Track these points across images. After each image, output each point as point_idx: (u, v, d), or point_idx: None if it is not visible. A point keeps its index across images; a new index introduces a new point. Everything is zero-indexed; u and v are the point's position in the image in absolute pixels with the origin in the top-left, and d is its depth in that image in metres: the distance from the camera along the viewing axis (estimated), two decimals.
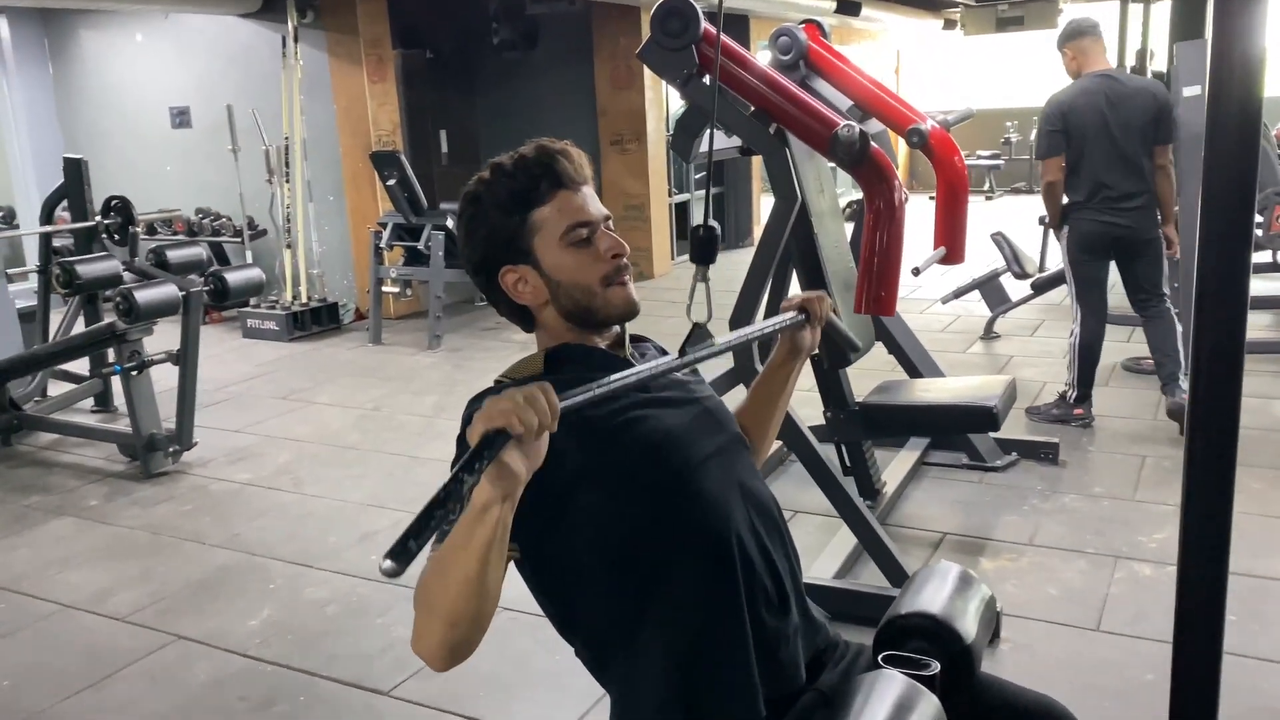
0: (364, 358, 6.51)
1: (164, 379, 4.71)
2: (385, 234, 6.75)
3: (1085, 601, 2.99)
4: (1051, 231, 5.24)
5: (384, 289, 6.93)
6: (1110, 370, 5.34)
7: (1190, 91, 4.96)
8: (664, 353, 1.59)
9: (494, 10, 8.86)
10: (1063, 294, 6.25)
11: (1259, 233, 5.00)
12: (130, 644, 3.05)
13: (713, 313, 1.44)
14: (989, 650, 2.76)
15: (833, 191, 3.68)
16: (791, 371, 1.68)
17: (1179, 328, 4.59)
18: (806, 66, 3.84)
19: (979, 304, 6.45)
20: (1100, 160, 4.38)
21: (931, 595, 1.56)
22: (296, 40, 6.97)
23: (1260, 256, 6.29)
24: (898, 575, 2.97)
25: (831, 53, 3.87)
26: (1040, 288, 6.11)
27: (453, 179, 9.17)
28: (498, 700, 2.67)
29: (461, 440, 1.18)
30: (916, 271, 3.43)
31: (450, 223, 6.57)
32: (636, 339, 1.56)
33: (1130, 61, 10.35)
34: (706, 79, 3.02)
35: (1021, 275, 6.15)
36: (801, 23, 3.88)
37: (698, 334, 1.41)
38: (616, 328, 1.48)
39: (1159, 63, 10.89)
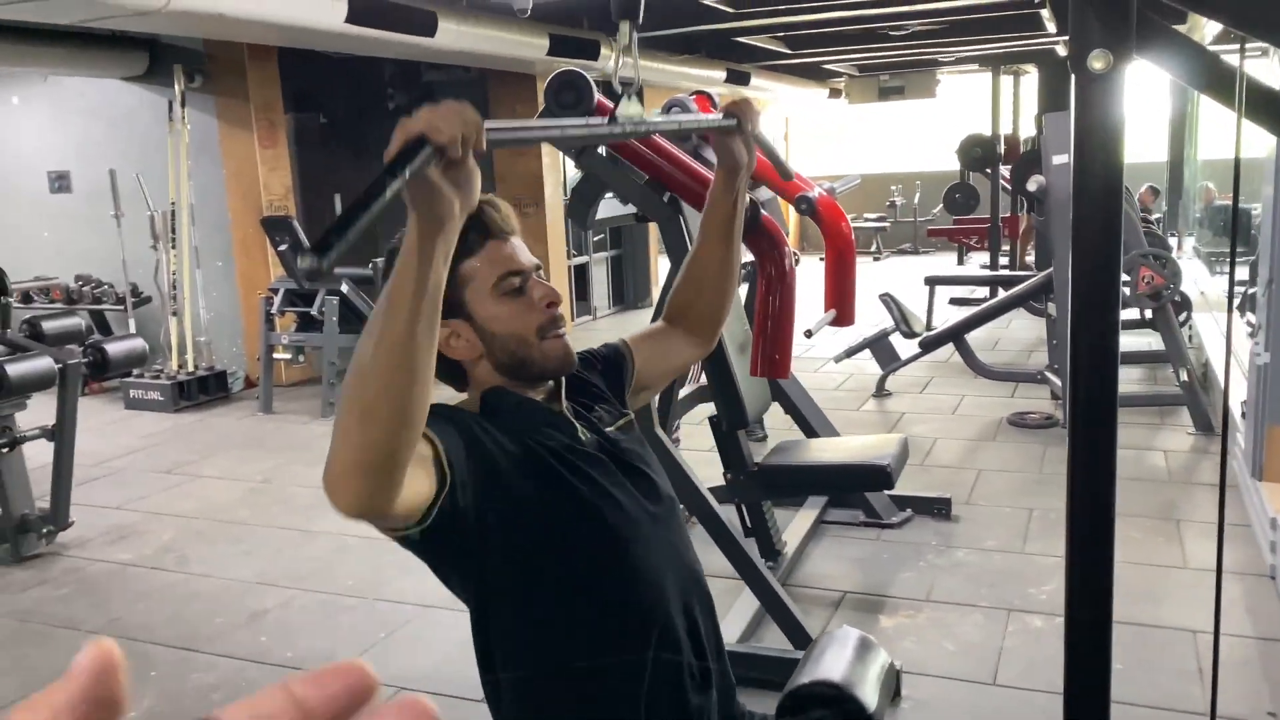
0: (254, 427, 6.31)
1: (39, 454, 4.48)
2: (277, 300, 6.60)
3: (981, 656, 3.05)
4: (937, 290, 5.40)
5: (275, 355, 6.76)
6: (997, 425, 5.53)
7: (1059, 160, 5.24)
8: (590, 380, 1.53)
9: (390, 75, 8.86)
10: (950, 351, 6.49)
11: (1126, 292, 5.27)
12: None
13: (639, 79, 1.40)
14: (890, 709, 2.79)
15: None
16: (735, 198, 1.56)
17: None
18: (698, 137, 3.94)
19: (870, 362, 6.62)
20: None
21: (832, 662, 1.57)
22: (184, 105, 6.84)
23: (1130, 314, 6.63)
24: (801, 637, 2.99)
25: None
26: (928, 345, 6.30)
27: (349, 246, 9.05)
28: None
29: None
30: (809, 334, 3.52)
31: (345, 288, 6.47)
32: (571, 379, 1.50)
33: (1004, 130, 10.91)
34: (601, 149, 3.07)
35: (910, 334, 6.34)
36: (693, 94, 3.98)
37: (628, 107, 1.33)
38: (551, 382, 1.44)
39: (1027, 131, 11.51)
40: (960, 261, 12.53)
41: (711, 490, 3.79)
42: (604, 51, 7.66)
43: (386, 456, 1.02)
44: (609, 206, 3.35)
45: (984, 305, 6.66)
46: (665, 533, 1.41)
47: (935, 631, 3.23)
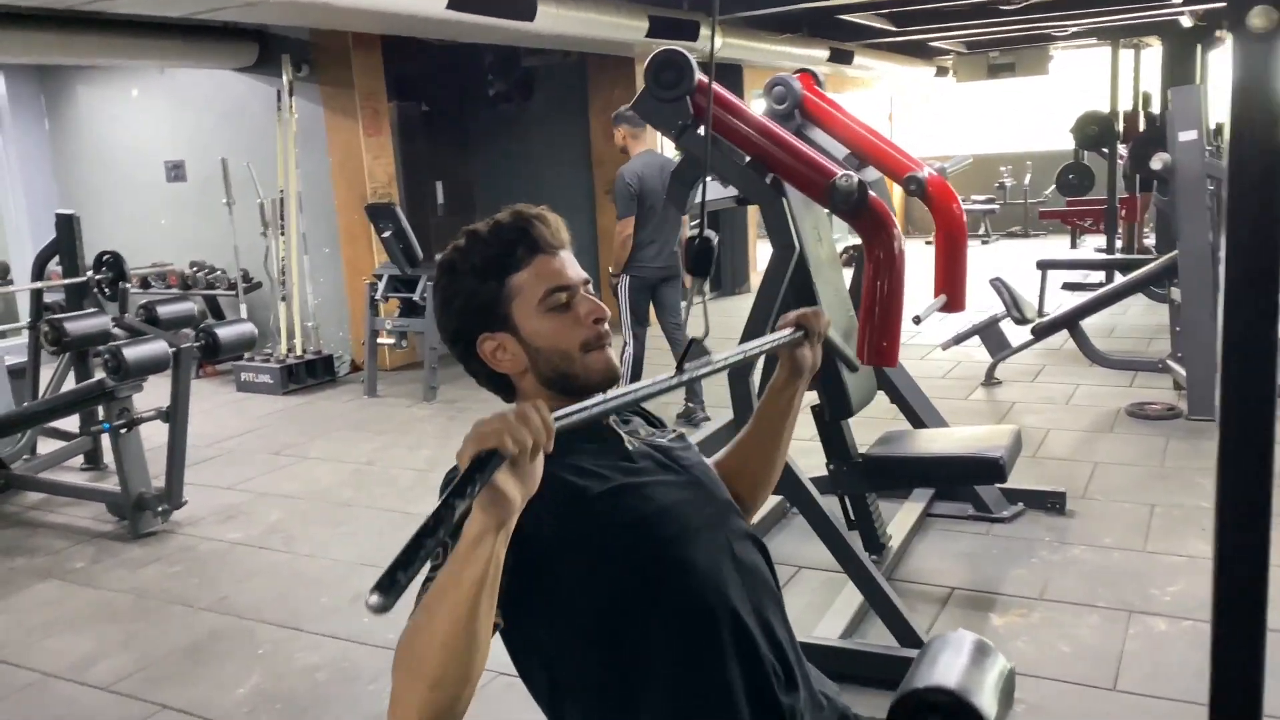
0: (358, 410, 6.44)
1: (154, 435, 4.64)
2: (381, 286, 6.71)
3: (1100, 659, 2.89)
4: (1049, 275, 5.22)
5: (379, 341, 6.87)
6: (1115, 416, 5.27)
7: (1186, 136, 4.96)
8: (649, 415, 1.55)
9: (489, 63, 8.91)
10: (1064, 339, 6.22)
11: None
12: (112, 715, 2.94)
13: (710, 329, 1.39)
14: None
15: (830, 240, 3.64)
16: (794, 394, 1.59)
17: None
18: (802, 115, 3.82)
19: (979, 349, 6.39)
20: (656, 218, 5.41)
21: (947, 667, 1.48)
22: (292, 94, 6.98)
23: None
24: (907, 635, 2.88)
25: (827, 101, 3.86)
26: (1041, 332, 6.05)
27: (448, 230, 9.05)
28: None
29: (449, 480, 1.10)
30: (918, 320, 3.38)
31: None
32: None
33: (1125, 105, 10.42)
34: (701, 129, 2.99)
35: (1021, 320, 6.10)
36: (796, 72, 3.87)
37: (695, 349, 1.35)
38: (598, 395, 1.42)
39: (1154, 105, 10.97)
40: (1073, 245, 12.04)
41: (815, 480, 3.72)
42: (703, 31, 7.56)
43: (454, 708, 1.05)
44: (714, 190, 3.27)
45: (1101, 290, 6.36)
46: (721, 536, 1.38)
47: (1050, 632, 3.07)
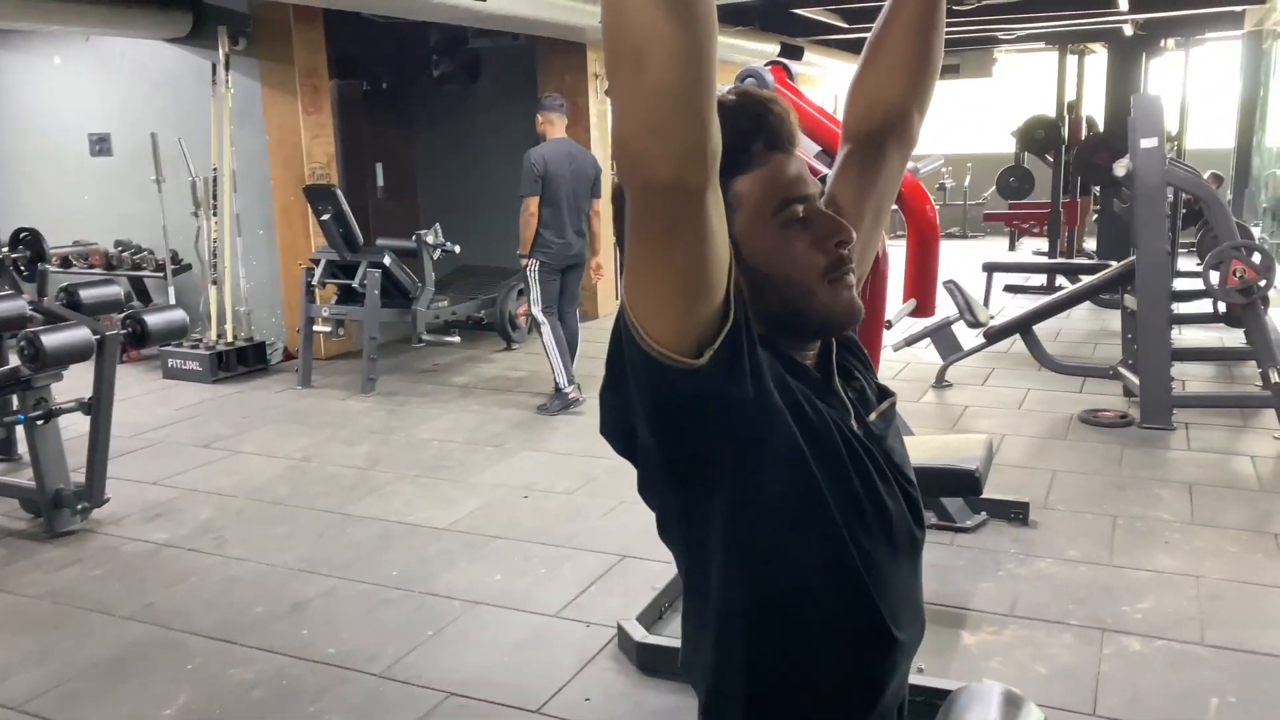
0: (293, 401, 6.15)
1: (74, 425, 4.32)
2: (318, 271, 6.42)
3: (1077, 681, 2.81)
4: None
5: (315, 328, 6.59)
6: (1068, 422, 5.26)
7: (1147, 143, 4.94)
8: (858, 350, 1.23)
9: (435, 42, 8.63)
10: (1011, 341, 6.21)
11: (1215, 284, 4.97)
12: None
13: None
14: None
15: None
16: None
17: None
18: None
19: (929, 350, 6.35)
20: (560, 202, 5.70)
21: None
22: (228, 68, 6.65)
23: (1203, 306, 6.31)
24: None
25: (800, 95, 3.73)
26: (994, 336, 6.02)
27: (389, 213, 8.87)
28: None
29: None
30: (889, 325, 3.28)
31: (387, 260, 6.28)
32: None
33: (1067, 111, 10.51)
34: None
35: (975, 324, 6.07)
36: (768, 64, 3.73)
37: None
38: (822, 342, 1.15)
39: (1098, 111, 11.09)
40: (1012, 247, 12.17)
41: None
42: None
43: (674, 100, 0.82)
44: None
45: (1057, 295, 6.37)
46: (912, 568, 1.15)
47: (1023, 651, 2.99)
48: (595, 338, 7.92)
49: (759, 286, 1.05)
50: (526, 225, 5.63)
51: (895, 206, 3.56)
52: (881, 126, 1.26)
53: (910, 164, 3.78)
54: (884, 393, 1.19)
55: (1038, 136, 9.88)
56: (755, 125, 1.05)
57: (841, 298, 1.08)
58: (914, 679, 1.38)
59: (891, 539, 1.09)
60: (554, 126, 5.78)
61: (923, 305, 3.66)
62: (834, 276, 1.07)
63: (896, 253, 3.44)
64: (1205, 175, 9.82)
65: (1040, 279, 9.06)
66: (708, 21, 0.83)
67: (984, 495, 3.95)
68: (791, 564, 1.05)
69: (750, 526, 1.03)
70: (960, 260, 10.06)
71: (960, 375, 6.24)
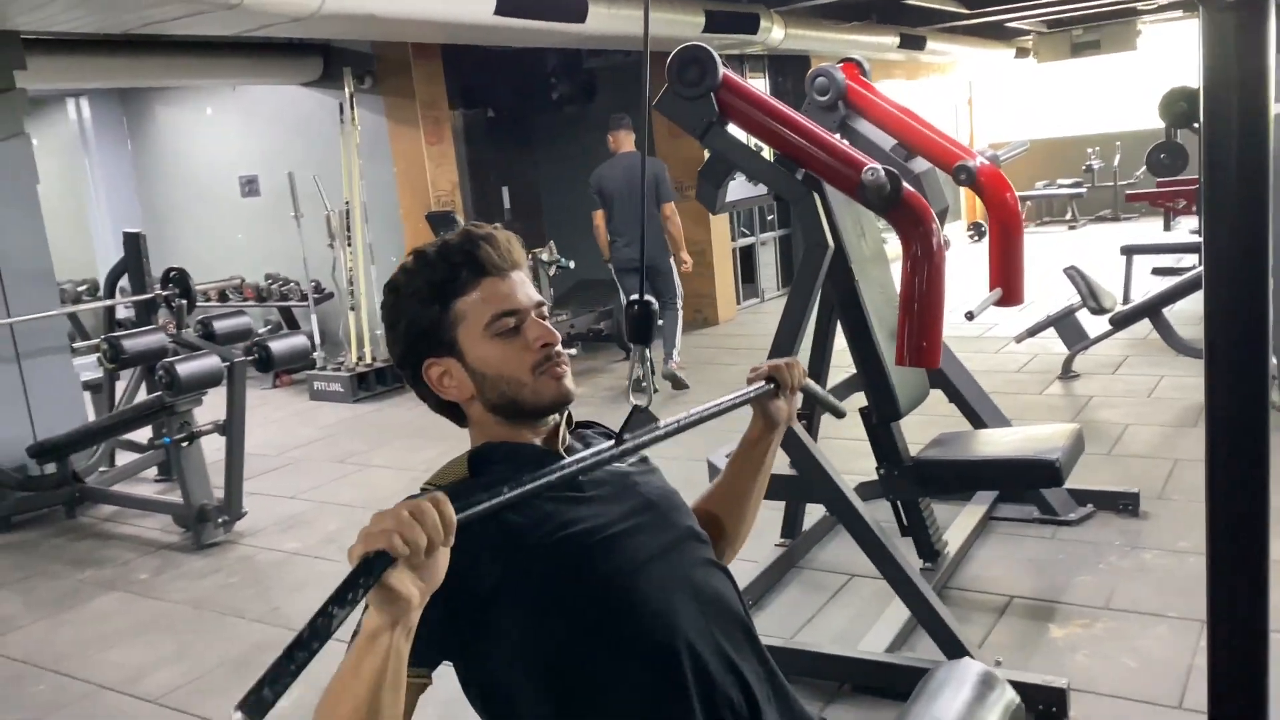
0: (422, 417, 6.36)
1: (222, 446, 4.71)
2: None
3: (1167, 674, 2.70)
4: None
5: None
6: (1198, 410, 4.98)
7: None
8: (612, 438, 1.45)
9: (552, 66, 8.92)
10: (1148, 328, 5.92)
11: None
12: None
13: (654, 395, 1.31)
14: None
15: (876, 236, 3.50)
16: (768, 448, 1.54)
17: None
18: (846, 106, 3.69)
19: (1057, 341, 6.13)
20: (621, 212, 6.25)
21: (946, 704, 1.37)
22: (354, 105, 7.08)
23: None
24: (954, 648, 2.73)
25: (872, 90, 3.71)
26: (1120, 322, 5.76)
27: (517, 233, 9.18)
28: None
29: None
30: (970, 316, 3.23)
31: None
32: (582, 426, 1.43)
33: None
34: (729, 127, 2.90)
35: (1098, 310, 5.82)
36: (839, 62, 3.74)
37: (638, 418, 1.26)
38: (553, 418, 1.35)
39: None
40: (1167, 227, 11.50)
41: (866, 485, 3.59)
42: (763, 24, 7.42)
43: None
44: (743, 188, 3.17)
45: (1187, 275, 6.03)
46: (676, 566, 1.29)
47: (1113, 644, 2.89)
48: (716, 343, 8.01)
49: (479, 383, 1.29)
50: (598, 234, 6.38)
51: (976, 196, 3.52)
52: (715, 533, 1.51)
53: (990, 152, 3.73)
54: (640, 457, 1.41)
55: (1180, 109, 9.32)
56: (464, 259, 1.27)
57: (549, 386, 1.29)
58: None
59: (625, 553, 1.25)
60: (617, 142, 6.38)
61: (1010, 294, 3.57)
62: (543, 370, 1.29)
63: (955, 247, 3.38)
64: None
65: (1193, 259, 8.55)
66: None
67: (1091, 488, 3.85)
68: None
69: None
70: (1108, 245, 9.63)
71: (1089, 365, 5.99)
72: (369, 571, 0.90)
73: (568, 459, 1.17)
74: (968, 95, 14.11)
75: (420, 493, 1.26)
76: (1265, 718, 1.10)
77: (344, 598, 0.88)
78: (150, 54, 6.38)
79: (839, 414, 1.86)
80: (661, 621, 1.22)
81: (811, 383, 1.57)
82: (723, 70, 2.84)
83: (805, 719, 1.35)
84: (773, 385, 1.49)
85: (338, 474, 5.39)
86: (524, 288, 1.32)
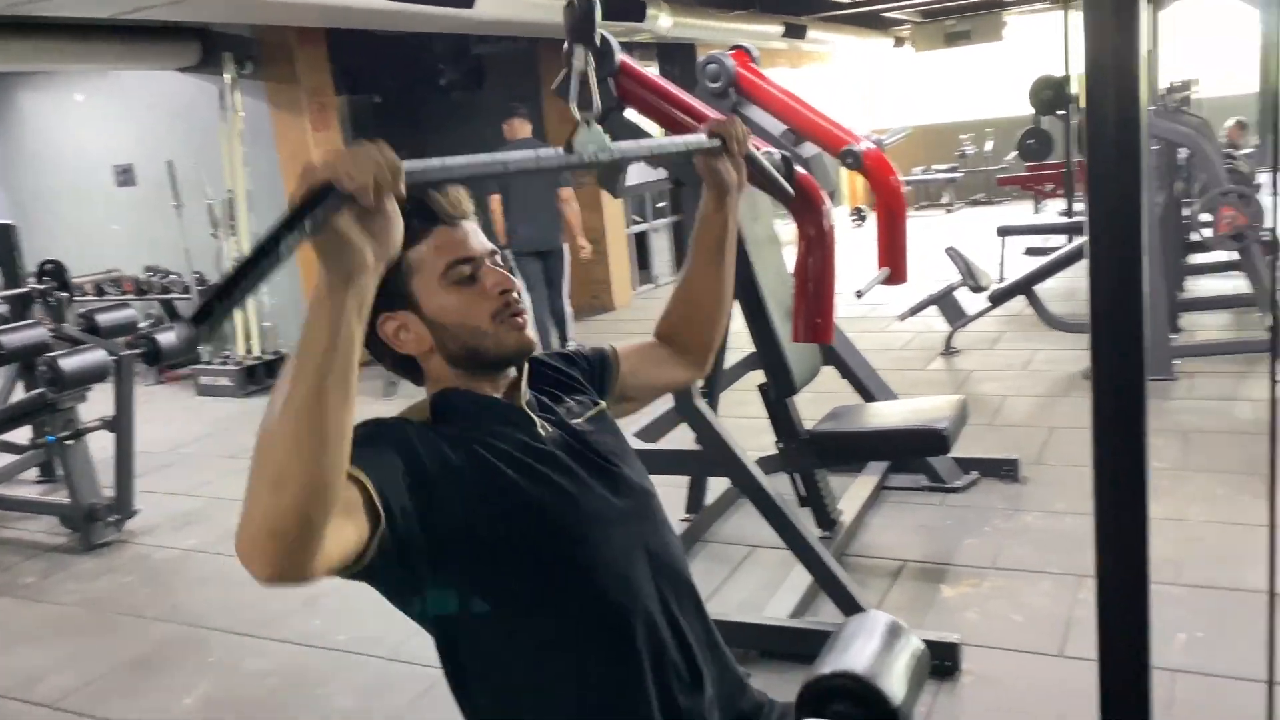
0: None
1: (109, 444, 4.56)
2: None
3: (1049, 626, 2.89)
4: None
5: None
6: (1069, 380, 5.29)
7: None
8: (565, 371, 1.47)
9: (440, 51, 8.82)
10: (1022, 305, 6.23)
11: (1208, 233, 4.97)
12: None
13: (598, 103, 1.34)
14: (949, 685, 2.67)
15: (769, 219, 3.61)
16: (726, 219, 1.49)
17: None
18: (737, 93, 3.78)
19: (939, 319, 6.39)
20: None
21: (857, 652, 1.46)
22: (235, 92, 6.88)
23: (1213, 256, 6.29)
24: (855, 611, 2.87)
25: (761, 78, 3.82)
26: (997, 299, 6.05)
27: None
28: None
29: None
30: (860, 294, 3.36)
31: None
32: (535, 364, 1.41)
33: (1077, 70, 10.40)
34: (627, 112, 2.95)
35: (977, 289, 6.09)
36: (730, 49, 3.83)
37: (589, 134, 1.23)
38: (512, 371, 1.34)
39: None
40: (1036, 210, 12.07)
41: (765, 459, 3.71)
42: (650, 11, 7.49)
43: (300, 524, 0.93)
44: (642, 173, 3.23)
45: (1055, 254, 6.37)
46: (634, 528, 1.32)
47: (1001, 601, 3.08)
48: (614, 328, 8.08)
49: (438, 334, 1.27)
50: (493, 221, 6.29)
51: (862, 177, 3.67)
52: (679, 348, 1.60)
53: (875, 136, 3.87)
54: (595, 404, 1.44)
55: (1045, 97, 9.80)
56: (413, 207, 1.18)
57: (511, 335, 1.28)
58: None
59: (583, 511, 1.27)
60: (514, 129, 6.40)
61: (896, 273, 3.73)
62: (503, 317, 1.27)
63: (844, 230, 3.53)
64: (1229, 123, 9.74)
65: (1062, 240, 9.00)
66: (338, 465, 0.95)
67: (975, 456, 4.06)
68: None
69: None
70: (983, 227, 10.05)
71: (969, 341, 6.28)
72: (318, 201, 0.86)
73: (516, 156, 1.14)
74: (850, 83, 14.48)
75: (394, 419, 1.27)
76: (1147, 661, 1.22)
77: (292, 224, 0.84)
78: (17, 37, 6.07)
79: (788, 198, 1.77)
80: (621, 585, 1.25)
81: (758, 154, 1.52)
82: (620, 55, 2.89)
83: (737, 679, 1.42)
84: (719, 140, 1.42)
85: (231, 469, 5.26)
86: (476, 236, 1.29)
